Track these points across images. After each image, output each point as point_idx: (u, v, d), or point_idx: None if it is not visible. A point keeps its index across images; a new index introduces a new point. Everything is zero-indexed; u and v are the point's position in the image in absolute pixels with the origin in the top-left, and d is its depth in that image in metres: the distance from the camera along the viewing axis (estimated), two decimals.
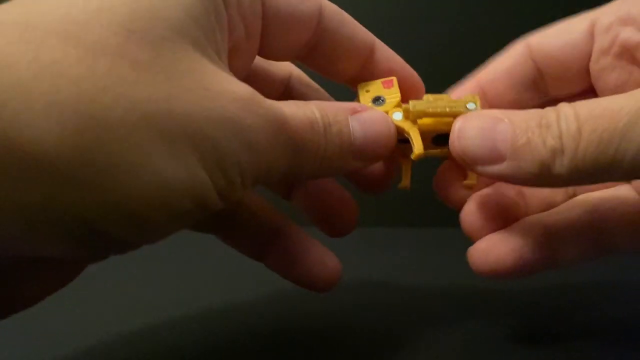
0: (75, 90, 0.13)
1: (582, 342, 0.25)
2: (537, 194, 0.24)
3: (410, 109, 0.21)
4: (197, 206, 0.16)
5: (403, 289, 0.32)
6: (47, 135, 0.13)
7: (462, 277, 0.32)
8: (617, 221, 0.22)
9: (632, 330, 0.26)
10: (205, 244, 0.27)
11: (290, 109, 0.18)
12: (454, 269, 0.34)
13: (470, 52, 0.25)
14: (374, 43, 0.23)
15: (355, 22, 0.23)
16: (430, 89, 0.24)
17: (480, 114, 0.20)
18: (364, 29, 0.23)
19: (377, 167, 0.24)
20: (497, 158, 0.19)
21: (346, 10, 0.22)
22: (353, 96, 0.23)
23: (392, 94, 0.22)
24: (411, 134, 0.21)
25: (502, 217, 0.23)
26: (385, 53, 0.23)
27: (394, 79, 0.23)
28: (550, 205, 0.24)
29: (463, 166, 0.22)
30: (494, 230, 0.22)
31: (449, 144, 0.20)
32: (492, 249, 0.22)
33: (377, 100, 0.22)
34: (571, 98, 0.22)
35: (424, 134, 0.21)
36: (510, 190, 0.24)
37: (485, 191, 0.23)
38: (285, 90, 0.25)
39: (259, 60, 0.23)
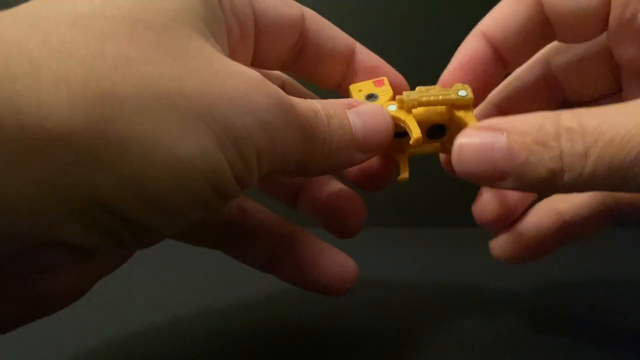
0: (85, 69, 0.13)
1: (583, 342, 0.25)
2: None
3: (404, 98, 0.21)
4: (214, 190, 0.15)
5: (403, 288, 0.32)
6: (58, 109, 0.12)
7: (462, 277, 0.33)
8: (628, 199, 0.23)
9: (632, 330, 0.26)
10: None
11: (295, 98, 0.18)
12: (454, 268, 0.35)
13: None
14: (355, 45, 0.24)
15: (334, 25, 0.24)
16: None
17: (478, 129, 0.19)
18: (343, 32, 0.24)
19: (375, 163, 0.24)
20: (500, 176, 0.18)
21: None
22: None
23: (384, 91, 0.23)
24: (407, 121, 0.21)
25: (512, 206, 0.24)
26: (366, 54, 0.24)
27: (385, 78, 0.24)
28: None
29: None
30: (507, 218, 0.24)
31: (453, 164, 0.19)
32: (511, 247, 0.24)
33: (371, 97, 0.23)
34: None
35: (419, 126, 0.21)
36: None
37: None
38: None
39: None
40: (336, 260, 0.22)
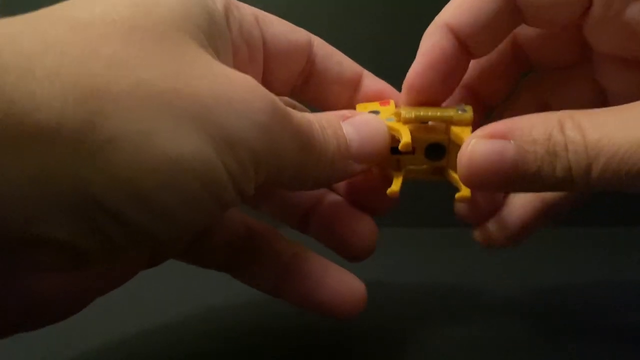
0: (79, 67, 0.13)
1: (583, 342, 0.25)
2: None
3: (402, 112, 0.21)
4: (211, 194, 0.15)
5: (403, 288, 0.32)
6: (50, 103, 0.12)
7: (462, 277, 0.33)
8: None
9: (632, 330, 0.26)
10: None
11: (290, 108, 0.18)
12: (454, 268, 0.35)
13: None
14: (362, 71, 0.24)
15: (341, 52, 0.24)
16: None
17: (483, 139, 0.18)
18: (350, 59, 0.24)
19: (377, 184, 0.24)
20: (510, 185, 0.18)
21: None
22: None
23: (388, 109, 0.23)
24: (400, 130, 0.21)
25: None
26: (373, 80, 0.24)
27: (392, 100, 0.24)
28: None
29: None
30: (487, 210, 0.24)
31: (460, 175, 0.19)
32: (493, 236, 0.24)
33: (373, 113, 0.23)
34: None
35: (416, 143, 0.22)
36: None
37: None
38: None
39: None
40: (342, 280, 0.22)
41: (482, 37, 0.21)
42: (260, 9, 0.22)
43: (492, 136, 0.18)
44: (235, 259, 0.23)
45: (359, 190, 0.24)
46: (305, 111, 0.24)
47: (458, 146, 0.20)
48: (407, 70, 0.22)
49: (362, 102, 0.24)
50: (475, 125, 0.20)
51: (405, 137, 0.21)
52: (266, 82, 0.23)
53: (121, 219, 0.14)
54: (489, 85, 0.25)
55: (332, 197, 0.24)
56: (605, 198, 0.26)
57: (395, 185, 0.22)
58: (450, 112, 0.21)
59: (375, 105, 0.24)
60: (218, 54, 0.18)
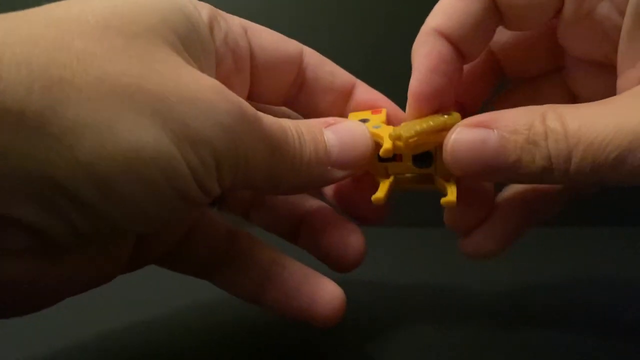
0: (48, 57, 0.14)
1: (583, 342, 0.25)
2: None
3: (402, 132, 0.20)
4: (173, 189, 0.15)
5: (402, 288, 0.32)
6: (16, 87, 0.13)
7: (462, 277, 0.33)
8: None
9: (632, 330, 0.26)
10: None
11: (262, 113, 0.18)
12: (453, 268, 0.34)
13: None
14: (354, 81, 0.24)
15: (333, 62, 0.24)
16: None
17: (468, 126, 0.19)
18: (342, 69, 0.24)
19: (366, 193, 0.23)
20: (492, 172, 0.19)
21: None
22: None
23: (378, 118, 0.23)
24: (382, 134, 0.21)
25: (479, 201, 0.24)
26: (366, 90, 0.24)
27: (384, 109, 0.24)
28: None
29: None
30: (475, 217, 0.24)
31: (445, 161, 0.20)
32: (481, 245, 0.24)
33: (363, 121, 0.23)
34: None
35: (404, 151, 0.21)
36: None
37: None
38: None
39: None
40: (321, 287, 0.21)
41: (471, 40, 0.22)
42: (257, 15, 0.22)
43: (477, 125, 0.19)
44: (215, 265, 0.23)
45: (351, 198, 0.24)
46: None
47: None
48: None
49: (355, 111, 0.24)
50: None
51: (386, 144, 0.20)
52: (255, 92, 0.23)
53: (82, 202, 0.14)
54: (464, 94, 0.25)
55: (323, 208, 0.24)
56: (605, 198, 0.26)
57: (381, 192, 0.21)
58: (441, 119, 0.21)
59: (366, 114, 0.24)
60: (197, 60, 0.18)
